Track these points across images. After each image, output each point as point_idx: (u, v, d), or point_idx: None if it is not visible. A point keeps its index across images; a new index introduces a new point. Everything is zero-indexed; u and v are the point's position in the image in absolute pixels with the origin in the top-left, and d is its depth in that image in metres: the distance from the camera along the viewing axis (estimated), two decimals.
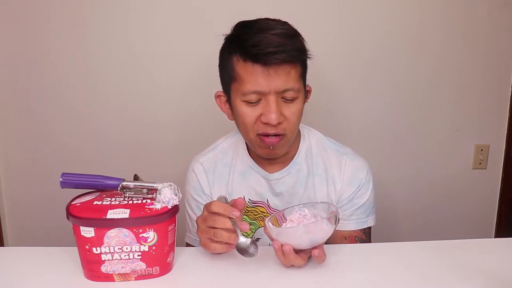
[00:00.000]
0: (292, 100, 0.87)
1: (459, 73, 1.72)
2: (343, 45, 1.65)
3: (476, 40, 1.69)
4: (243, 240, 0.74)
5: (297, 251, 0.73)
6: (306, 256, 0.74)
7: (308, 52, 0.89)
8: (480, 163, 1.82)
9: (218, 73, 1.69)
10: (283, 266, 0.75)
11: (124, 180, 0.73)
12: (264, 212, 1.00)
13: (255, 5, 1.54)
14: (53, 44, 1.59)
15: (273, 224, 0.76)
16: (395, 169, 1.79)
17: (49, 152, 1.69)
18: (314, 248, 0.72)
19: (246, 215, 1.01)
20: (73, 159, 1.69)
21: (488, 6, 1.65)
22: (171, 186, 0.72)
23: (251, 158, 1.00)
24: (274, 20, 0.87)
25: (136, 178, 0.81)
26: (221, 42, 1.70)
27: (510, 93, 1.77)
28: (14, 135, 1.68)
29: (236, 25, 0.90)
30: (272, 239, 0.74)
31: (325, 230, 0.71)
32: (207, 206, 0.78)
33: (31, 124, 1.67)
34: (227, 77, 0.90)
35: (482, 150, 1.81)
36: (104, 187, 0.75)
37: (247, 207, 1.00)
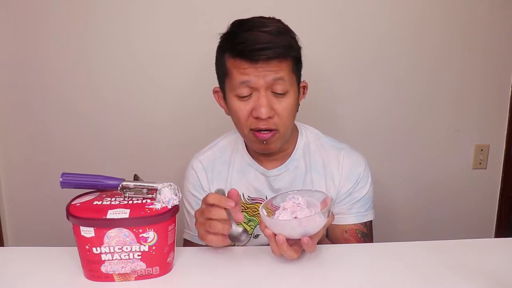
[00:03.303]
0: (283, 94, 0.87)
1: (459, 73, 1.72)
2: (343, 45, 1.65)
3: (476, 40, 1.69)
4: (234, 228, 0.75)
5: (290, 242, 0.74)
6: (300, 249, 0.75)
7: (299, 49, 0.90)
8: (480, 163, 1.82)
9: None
10: (274, 254, 0.75)
11: (124, 180, 0.73)
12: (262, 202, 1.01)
13: (255, 5, 1.54)
14: (53, 44, 1.59)
15: (266, 211, 0.77)
16: (395, 169, 1.79)
17: (49, 152, 1.69)
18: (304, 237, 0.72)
19: (245, 211, 1.01)
20: (73, 159, 1.69)
21: (488, 6, 1.65)
22: (171, 186, 0.72)
23: (249, 155, 1.02)
24: (267, 18, 0.89)
25: (136, 178, 0.81)
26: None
27: (510, 93, 1.77)
28: (14, 135, 1.68)
29: (232, 23, 0.92)
30: (263, 228, 0.74)
31: (318, 222, 0.72)
32: (204, 199, 0.79)
33: (31, 124, 1.67)
34: (221, 74, 0.91)
35: (482, 150, 1.81)
36: (104, 187, 0.75)
37: (246, 203, 1.01)
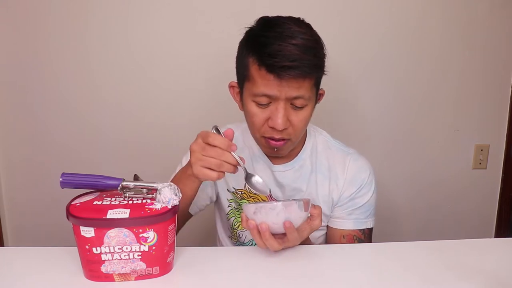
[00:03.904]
0: (301, 107, 0.88)
1: (459, 73, 1.72)
2: (342, 46, 1.65)
3: (476, 40, 1.69)
4: (257, 179, 0.82)
5: (274, 237, 0.76)
6: (283, 242, 0.77)
7: (323, 66, 0.89)
8: (480, 163, 1.82)
9: (218, 73, 1.69)
10: (258, 246, 0.77)
11: (124, 180, 0.73)
12: (265, 201, 1.02)
13: (254, 5, 1.55)
14: (53, 44, 1.59)
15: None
16: (395, 169, 1.79)
17: (49, 152, 1.69)
18: (287, 221, 0.74)
19: (247, 199, 1.02)
20: (73, 159, 1.69)
21: (488, 6, 1.65)
22: (171, 186, 0.72)
23: (259, 148, 1.02)
24: (297, 23, 0.87)
25: (136, 178, 0.81)
26: (221, 41, 1.70)
27: (510, 93, 1.77)
28: (14, 135, 1.68)
29: (259, 20, 0.90)
30: (246, 220, 0.76)
31: (299, 213, 0.75)
32: (204, 136, 0.79)
33: (31, 124, 1.67)
34: (242, 73, 0.91)
35: (482, 150, 1.81)
36: (104, 187, 0.75)
37: (249, 192, 1.02)
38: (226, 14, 1.56)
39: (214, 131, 0.80)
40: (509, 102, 1.78)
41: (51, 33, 1.58)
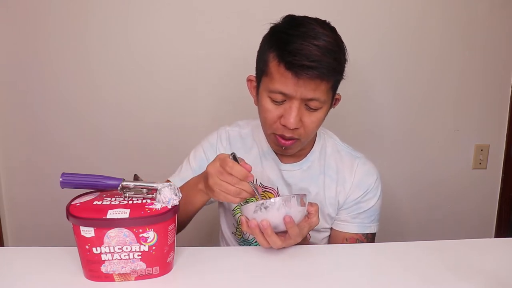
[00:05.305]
0: (315, 109, 0.88)
1: (459, 73, 1.72)
2: None
3: (476, 40, 1.69)
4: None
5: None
6: (285, 240, 0.77)
7: (342, 70, 0.89)
8: (480, 163, 1.82)
9: (219, 73, 1.69)
10: (262, 245, 0.77)
11: (124, 180, 0.73)
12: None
13: (254, 5, 1.54)
14: (53, 45, 1.59)
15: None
16: (395, 169, 1.79)
17: (49, 152, 1.69)
18: (286, 215, 0.75)
19: (255, 197, 1.02)
20: (73, 159, 1.69)
21: (488, 6, 1.65)
22: (171, 186, 0.72)
23: (268, 145, 1.02)
24: (321, 24, 0.87)
25: (136, 178, 0.81)
26: (221, 41, 1.70)
27: (510, 93, 1.77)
28: (14, 135, 1.68)
29: (285, 18, 0.91)
30: (246, 223, 0.77)
31: (298, 208, 0.75)
32: (222, 161, 0.77)
33: (31, 124, 1.67)
34: (261, 68, 0.91)
35: (482, 150, 1.81)
36: (104, 187, 0.75)
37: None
38: (226, 14, 1.56)
39: (232, 158, 0.79)
40: (509, 102, 1.78)
41: (51, 33, 1.58)
